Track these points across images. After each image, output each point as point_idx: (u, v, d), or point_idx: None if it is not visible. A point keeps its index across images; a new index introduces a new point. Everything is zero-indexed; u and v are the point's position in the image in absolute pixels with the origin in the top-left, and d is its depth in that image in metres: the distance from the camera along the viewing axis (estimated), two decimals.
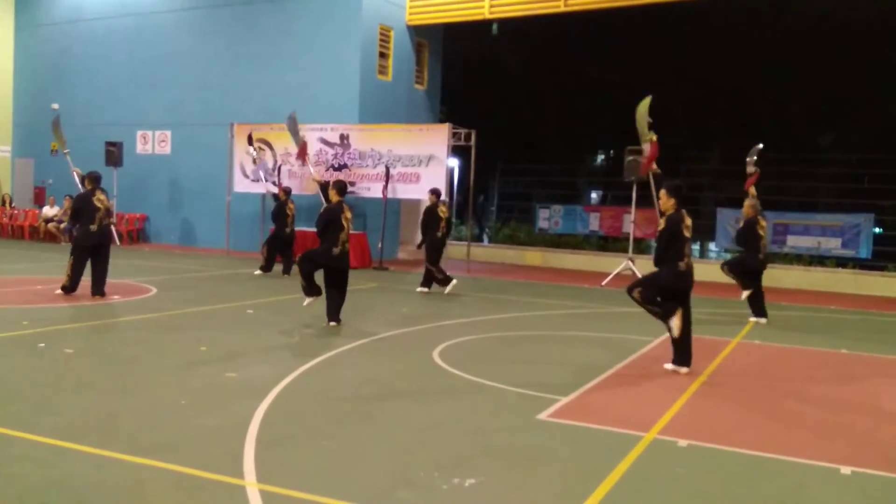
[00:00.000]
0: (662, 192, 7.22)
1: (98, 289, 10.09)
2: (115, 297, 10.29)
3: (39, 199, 21.82)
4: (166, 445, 4.51)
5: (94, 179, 10.34)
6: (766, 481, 4.41)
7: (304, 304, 9.06)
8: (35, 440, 4.50)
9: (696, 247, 24.60)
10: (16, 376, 6.03)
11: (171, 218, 20.35)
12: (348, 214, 8.87)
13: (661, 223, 7.17)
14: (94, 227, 10.03)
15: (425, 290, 12.40)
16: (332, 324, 8.79)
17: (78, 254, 10.05)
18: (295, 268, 9.44)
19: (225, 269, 14.72)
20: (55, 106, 21.86)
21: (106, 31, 21.12)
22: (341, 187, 9.11)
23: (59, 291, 10.06)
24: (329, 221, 8.72)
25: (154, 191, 20.31)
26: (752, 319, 10.54)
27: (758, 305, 10.56)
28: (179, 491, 3.89)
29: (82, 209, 10.10)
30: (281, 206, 14.31)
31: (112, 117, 20.78)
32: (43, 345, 7.07)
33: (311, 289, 8.92)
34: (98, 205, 10.12)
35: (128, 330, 8.19)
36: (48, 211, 19.95)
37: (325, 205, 9.06)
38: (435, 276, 12.34)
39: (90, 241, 10.02)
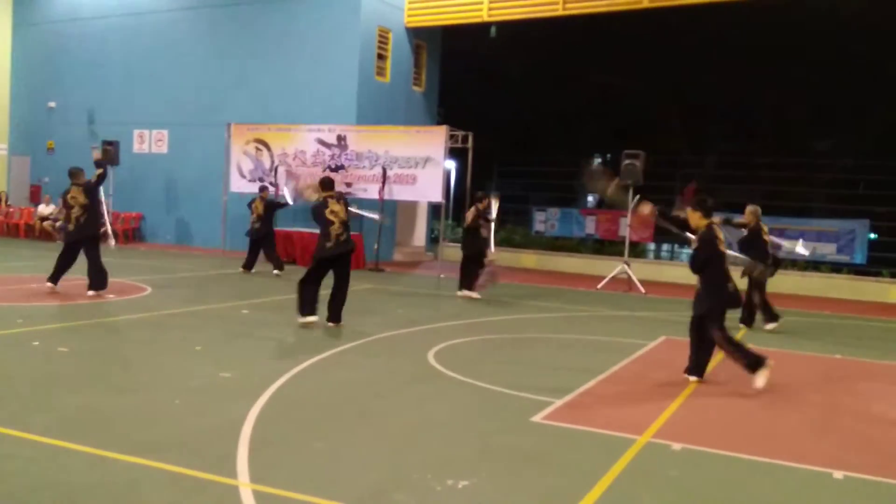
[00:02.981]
0: (688, 210, 7.04)
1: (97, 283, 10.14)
2: (110, 295, 10.26)
3: (35, 198, 21.78)
4: (160, 445, 4.50)
5: (71, 175, 10.28)
6: (758, 485, 4.42)
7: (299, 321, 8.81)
8: (27, 438, 4.48)
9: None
10: (9, 374, 6.01)
11: (167, 217, 20.33)
12: (334, 207, 8.73)
13: (694, 243, 7.00)
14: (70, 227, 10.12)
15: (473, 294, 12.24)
16: (331, 324, 8.77)
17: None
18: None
19: (220, 269, 14.70)
20: (52, 104, 21.88)
21: (103, 30, 21.11)
22: (325, 183, 9.06)
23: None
24: (315, 219, 8.74)
25: (150, 190, 20.28)
26: (769, 326, 10.37)
27: (768, 311, 10.45)
28: (173, 490, 3.88)
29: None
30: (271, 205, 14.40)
31: (109, 116, 20.76)
32: (37, 343, 7.05)
33: (303, 306, 8.72)
34: (71, 202, 10.11)
35: (122, 329, 8.17)
36: (44, 209, 19.92)
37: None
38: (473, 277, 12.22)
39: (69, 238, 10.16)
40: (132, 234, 20.42)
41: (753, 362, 6.72)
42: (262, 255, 14.30)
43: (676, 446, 4.96)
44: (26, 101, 22.41)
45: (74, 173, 10.26)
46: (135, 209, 20.48)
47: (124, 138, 19.97)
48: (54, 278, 10.16)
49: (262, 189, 14.87)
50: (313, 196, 8.69)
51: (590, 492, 4.11)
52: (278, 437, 4.78)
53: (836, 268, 17.12)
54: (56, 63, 21.86)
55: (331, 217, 8.65)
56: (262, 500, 3.79)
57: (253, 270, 14.11)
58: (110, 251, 17.18)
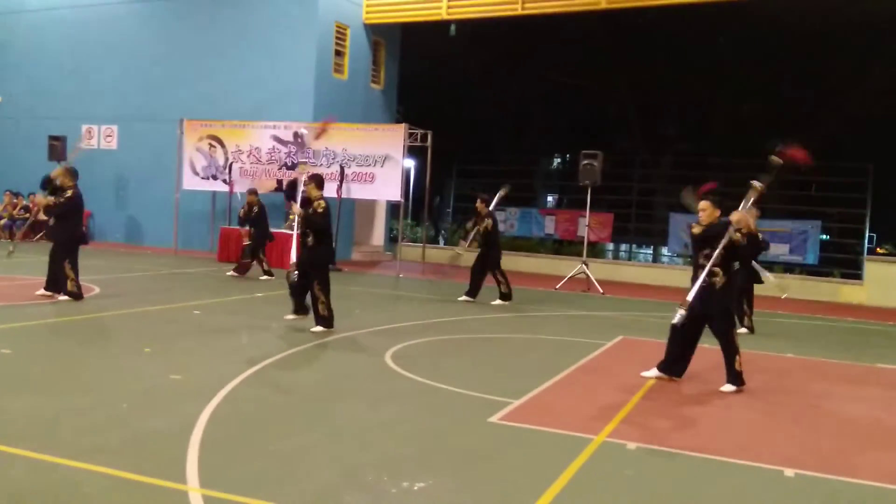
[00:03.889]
0: (708, 204, 6.69)
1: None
2: (57, 296, 9.94)
3: None
4: (106, 449, 4.34)
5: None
6: (712, 483, 4.45)
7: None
8: None
9: (648, 250, 24.98)
10: None
11: (117, 215, 19.85)
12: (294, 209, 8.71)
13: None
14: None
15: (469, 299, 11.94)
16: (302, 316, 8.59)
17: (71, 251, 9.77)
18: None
19: (172, 268, 14.38)
20: None
21: (50, 22, 20.52)
22: (322, 181, 9.05)
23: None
24: (328, 222, 8.82)
25: (99, 187, 19.68)
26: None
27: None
28: (119, 495, 3.75)
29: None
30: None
31: (56, 111, 20.14)
32: None
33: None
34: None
35: (69, 330, 7.91)
36: None
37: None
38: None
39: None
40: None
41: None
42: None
43: (632, 445, 4.97)
44: None
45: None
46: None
47: (72, 133, 19.41)
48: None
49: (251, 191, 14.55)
50: None
51: (546, 491, 4.09)
52: (230, 441, 4.66)
53: (789, 268, 17.48)
54: (2, 56, 21.17)
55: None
56: None
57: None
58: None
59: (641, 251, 25.56)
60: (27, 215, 18.90)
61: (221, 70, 18.40)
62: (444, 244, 23.57)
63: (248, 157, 16.82)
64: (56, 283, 9.64)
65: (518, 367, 7.37)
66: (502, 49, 23.85)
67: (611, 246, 23.18)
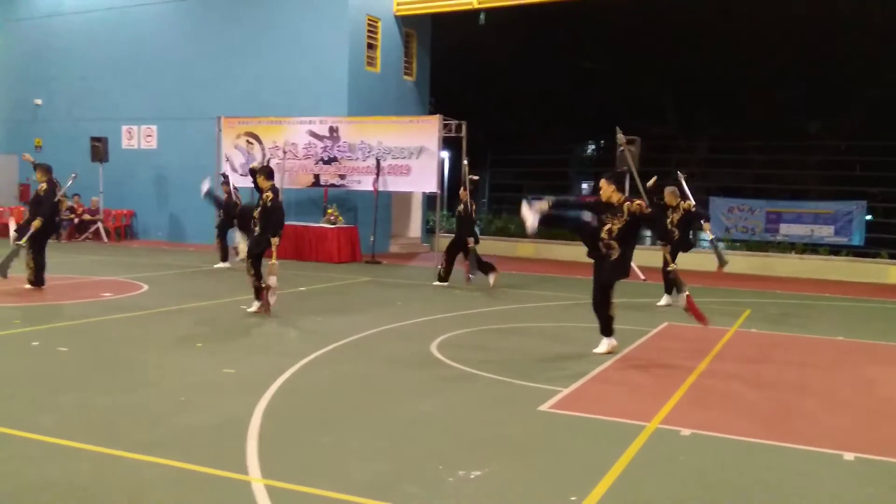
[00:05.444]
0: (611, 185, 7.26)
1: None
2: (107, 294, 10.18)
3: (24, 196, 21.53)
4: (167, 442, 4.44)
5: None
6: (768, 468, 4.40)
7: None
8: (31, 438, 4.42)
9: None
10: (10, 375, 5.94)
11: (159, 213, 20.16)
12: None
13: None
14: None
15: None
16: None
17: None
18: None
19: (215, 264, 14.59)
20: (38, 101, 21.64)
21: (86, 25, 20.83)
22: (271, 172, 9.31)
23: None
24: (280, 213, 9.14)
25: (141, 186, 20.11)
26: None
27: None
28: (184, 487, 3.84)
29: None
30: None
31: (96, 112, 20.52)
32: (37, 343, 6.97)
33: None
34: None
35: (121, 327, 8.09)
36: None
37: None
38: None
39: None
40: (124, 232, 20.27)
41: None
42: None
43: (686, 432, 4.94)
44: (12, 99, 22.15)
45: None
46: (126, 206, 20.30)
47: (112, 134, 19.79)
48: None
49: (224, 178, 14.79)
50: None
51: (602, 479, 4.08)
52: (285, 432, 4.73)
53: (835, 250, 17.11)
54: (41, 59, 21.58)
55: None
56: (274, 494, 3.75)
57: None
58: (103, 249, 17.06)
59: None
60: (73, 216, 19.34)
61: (256, 67, 18.56)
62: (479, 234, 23.52)
63: (286, 152, 16.96)
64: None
65: (564, 355, 7.35)
66: (532, 36, 23.68)
67: (647, 232, 22.93)
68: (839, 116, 22.27)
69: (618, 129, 10.66)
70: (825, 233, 16.83)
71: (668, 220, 10.59)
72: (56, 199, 10.46)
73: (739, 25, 21.74)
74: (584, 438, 4.84)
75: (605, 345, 7.29)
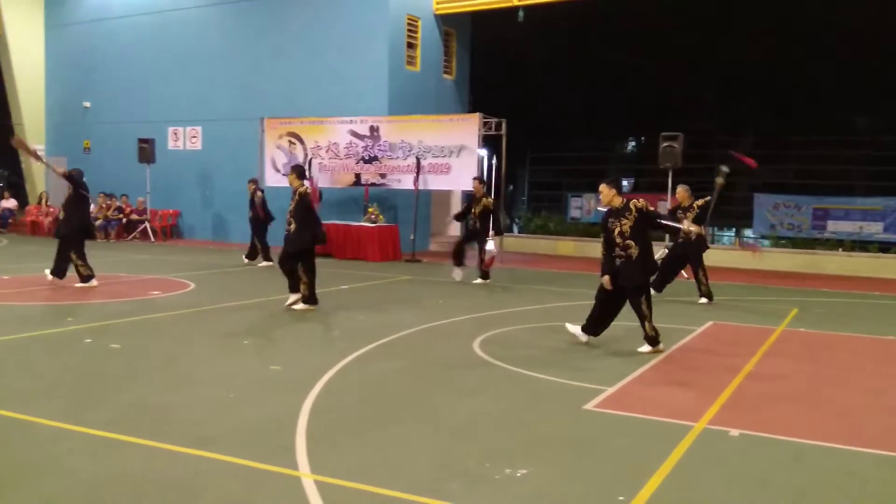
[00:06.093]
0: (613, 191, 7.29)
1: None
2: (156, 292, 10.42)
3: None
4: (219, 437, 4.54)
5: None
6: (818, 469, 4.34)
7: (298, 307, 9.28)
8: (88, 433, 4.55)
9: (731, 233, 24.30)
10: (66, 371, 6.12)
11: (204, 213, 20.53)
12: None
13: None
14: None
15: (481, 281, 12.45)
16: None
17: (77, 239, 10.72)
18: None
19: (260, 262, 14.80)
20: (87, 104, 22.19)
21: (132, 29, 21.31)
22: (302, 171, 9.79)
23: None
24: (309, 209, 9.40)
25: (186, 186, 20.50)
26: None
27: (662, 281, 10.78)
28: (236, 481, 3.92)
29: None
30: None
31: (143, 114, 20.98)
32: (89, 340, 7.17)
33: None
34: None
35: (171, 325, 8.27)
36: None
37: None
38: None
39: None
40: (170, 231, 20.69)
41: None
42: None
43: (734, 432, 4.88)
44: (61, 102, 22.76)
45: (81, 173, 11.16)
46: (172, 206, 20.72)
47: (159, 136, 20.20)
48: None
49: (252, 179, 15.05)
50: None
51: (650, 479, 4.06)
52: (332, 429, 4.79)
53: (885, 247, 16.68)
54: (88, 63, 22.13)
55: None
56: (324, 490, 3.81)
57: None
58: (150, 248, 17.44)
59: (724, 234, 24.86)
60: (120, 216, 19.81)
61: (298, 68, 18.78)
62: (519, 232, 23.48)
63: (327, 152, 17.15)
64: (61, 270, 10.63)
65: (607, 354, 7.31)
66: (571, 32, 23.54)
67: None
68: (888, 110, 21.69)
69: (721, 168, 10.11)
70: (874, 230, 16.43)
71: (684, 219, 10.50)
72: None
73: (784, 17, 21.32)
74: (631, 438, 4.81)
75: (646, 347, 7.25)
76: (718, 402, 5.60)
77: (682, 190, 10.95)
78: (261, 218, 14.45)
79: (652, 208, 7.31)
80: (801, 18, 21.18)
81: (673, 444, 4.62)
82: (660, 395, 5.89)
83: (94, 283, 10.54)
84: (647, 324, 7.21)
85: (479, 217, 12.30)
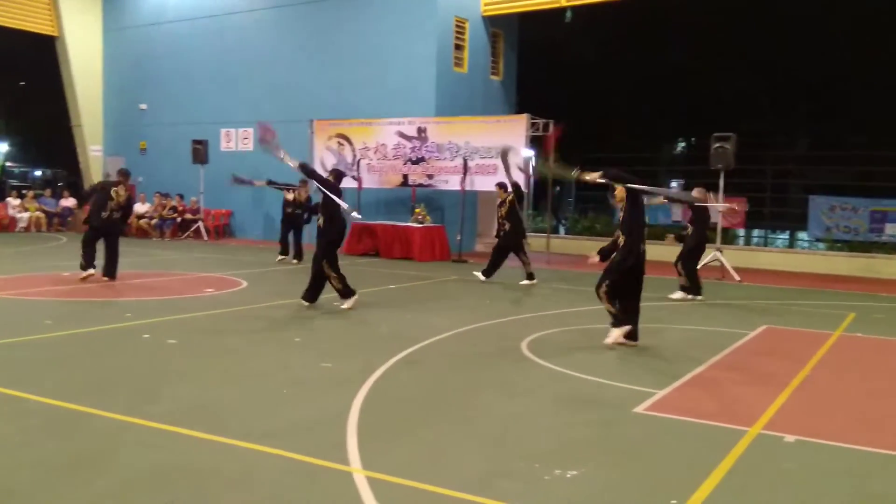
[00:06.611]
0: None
1: (106, 271, 11.05)
2: (210, 290, 10.66)
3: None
4: (273, 432, 4.63)
5: (124, 174, 11.42)
6: (876, 477, 4.23)
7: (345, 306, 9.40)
8: (147, 426, 4.69)
9: (784, 236, 23.76)
10: (125, 365, 6.31)
11: (255, 213, 20.89)
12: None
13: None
14: (104, 214, 10.97)
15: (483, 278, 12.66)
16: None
17: (86, 233, 11.11)
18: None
19: (307, 261, 15.01)
20: (143, 106, 22.79)
21: (187, 33, 21.80)
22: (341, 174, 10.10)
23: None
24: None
25: (238, 187, 20.83)
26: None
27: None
28: (290, 476, 4.00)
29: (93, 195, 11.36)
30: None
31: (196, 116, 21.45)
32: (147, 336, 7.38)
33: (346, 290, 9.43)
34: (113, 195, 10.99)
35: (225, 321, 8.45)
36: (139, 208, 20.75)
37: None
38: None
39: (95, 224, 11.05)
40: (222, 230, 21.12)
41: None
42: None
43: (790, 438, 4.79)
44: (119, 104, 23.40)
45: (126, 173, 11.46)
46: (224, 206, 21.15)
47: (212, 137, 20.63)
48: (106, 271, 11.08)
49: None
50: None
51: (702, 485, 4.01)
52: (382, 426, 4.85)
53: None
54: (145, 66, 22.70)
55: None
56: (375, 486, 3.86)
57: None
58: (204, 246, 17.82)
59: (778, 237, 24.29)
60: (175, 215, 20.29)
61: (347, 70, 18.98)
62: (565, 233, 23.33)
63: (375, 153, 17.30)
64: (111, 269, 11.06)
65: (658, 357, 7.24)
66: (619, 32, 23.29)
67: (742, 232, 22.19)
68: None
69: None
70: None
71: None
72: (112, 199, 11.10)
73: (841, 12, 20.77)
74: (683, 442, 4.76)
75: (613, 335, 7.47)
76: (773, 407, 5.50)
77: (696, 191, 11.44)
78: (303, 218, 14.81)
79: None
80: (859, 16, 20.61)
81: (726, 449, 4.55)
82: (712, 399, 5.81)
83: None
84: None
85: (506, 217, 12.58)
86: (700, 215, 11.25)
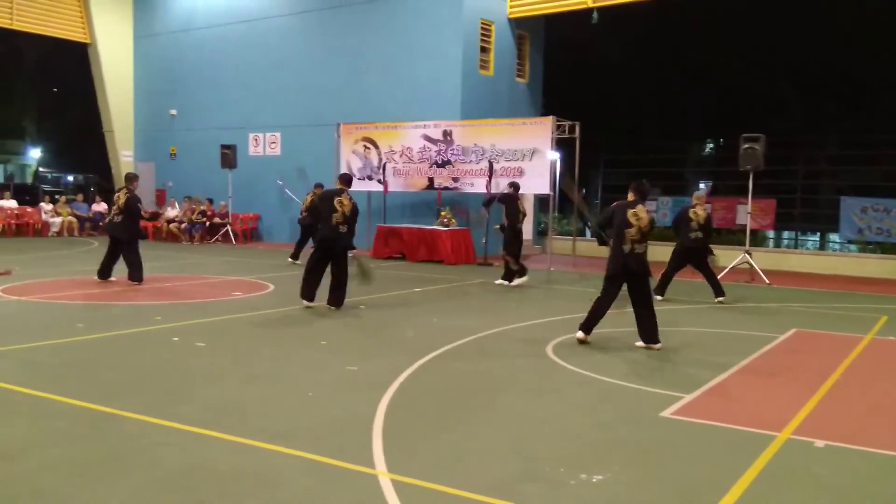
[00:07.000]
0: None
1: (130, 276, 11.26)
2: (237, 293, 10.77)
3: (160, 201, 23.06)
4: (298, 434, 4.67)
5: (127, 179, 11.75)
6: None
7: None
8: (174, 427, 4.75)
9: (815, 237, 23.40)
10: (154, 367, 6.40)
11: (282, 217, 21.05)
12: (343, 199, 9.79)
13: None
14: (107, 218, 11.43)
15: (506, 283, 12.56)
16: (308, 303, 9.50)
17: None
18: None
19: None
20: (173, 112, 23.11)
21: (216, 38, 22.06)
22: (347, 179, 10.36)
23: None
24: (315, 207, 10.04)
25: (265, 191, 21.06)
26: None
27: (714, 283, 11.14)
28: (314, 478, 4.02)
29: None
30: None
31: (225, 121, 21.70)
32: (177, 339, 7.47)
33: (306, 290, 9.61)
34: (115, 199, 11.44)
35: (252, 324, 8.53)
36: (169, 212, 21.05)
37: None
38: (510, 268, 12.62)
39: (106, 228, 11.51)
40: (250, 234, 21.32)
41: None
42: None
43: (819, 443, 4.72)
44: (149, 110, 23.74)
45: (131, 178, 11.76)
46: (252, 210, 21.36)
47: (240, 142, 20.86)
48: (130, 275, 11.29)
49: (317, 185, 15.28)
50: None
51: (730, 490, 3.96)
52: (407, 429, 4.86)
53: None
54: (175, 72, 23.03)
55: (337, 206, 9.70)
56: (400, 489, 3.86)
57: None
58: (231, 250, 17.99)
59: (808, 238, 23.93)
60: (204, 219, 20.53)
61: (373, 74, 19.08)
62: (591, 236, 23.20)
63: (401, 156, 17.36)
64: (136, 273, 11.23)
65: (685, 360, 7.17)
66: (646, 32, 23.12)
67: (771, 234, 21.91)
68: None
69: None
70: None
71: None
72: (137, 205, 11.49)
73: (872, 11, 20.41)
74: (710, 446, 4.71)
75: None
76: (803, 411, 5.42)
77: (695, 196, 11.72)
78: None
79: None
80: (891, 13, 20.22)
81: (755, 453, 4.49)
82: (740, 403, 5.74)
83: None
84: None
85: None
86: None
